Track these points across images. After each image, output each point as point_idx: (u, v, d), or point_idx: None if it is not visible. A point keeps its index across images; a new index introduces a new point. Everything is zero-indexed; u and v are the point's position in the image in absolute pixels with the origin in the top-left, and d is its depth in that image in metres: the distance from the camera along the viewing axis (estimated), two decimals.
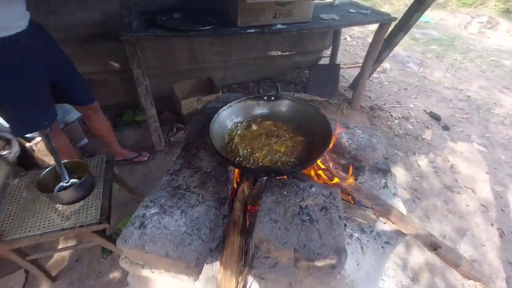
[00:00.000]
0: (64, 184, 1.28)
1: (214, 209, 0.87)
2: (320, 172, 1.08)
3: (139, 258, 0.78)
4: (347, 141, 1.18)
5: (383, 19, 2.30)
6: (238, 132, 1.10)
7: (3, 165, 1.27)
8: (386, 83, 3.67)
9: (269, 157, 1.00)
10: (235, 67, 2.91)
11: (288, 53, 3.00)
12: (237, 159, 0.98)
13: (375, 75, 3.80)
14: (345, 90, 3.20)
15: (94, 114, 1.69)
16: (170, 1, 2.15)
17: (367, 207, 1.01)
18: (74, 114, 2.10)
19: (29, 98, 1.28)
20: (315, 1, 2.66)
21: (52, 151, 1.30)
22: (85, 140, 2.23)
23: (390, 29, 2.43)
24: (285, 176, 1.01)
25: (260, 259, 0.76)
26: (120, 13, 1.93)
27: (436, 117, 3.01)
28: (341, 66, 3.51)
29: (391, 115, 3.00)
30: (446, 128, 2.89)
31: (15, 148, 1.84)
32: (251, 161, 0.98)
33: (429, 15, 6.13)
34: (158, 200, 0.84)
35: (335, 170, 1.10)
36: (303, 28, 2.05)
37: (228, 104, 1.11)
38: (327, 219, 0.78)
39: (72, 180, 1.29)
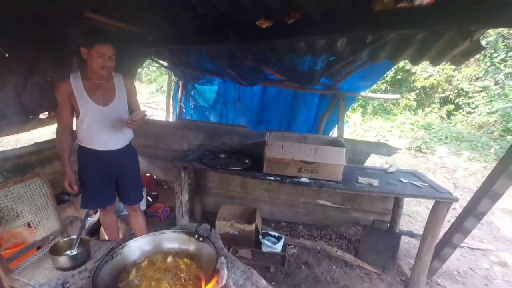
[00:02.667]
0: (69, 253, 1.72)
1: None
2: None
3: None
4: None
5: (438, 197, 1.95)
6: (152, 258, 1.21)
7: (55, 226, 1.90)
8: (499, 281, 2.55)
9: None
10: (283, 206, 3.04)
11: (340, 206, 2.87)
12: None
13: (484, 265, 2.79)
14: (410, 269, 2.49)
15: (132, 212, 2.25)
16: (234, 145, 2.83)
17: None
18: None
19: (90, 187, 1.98)
20: (369, 165, 2.67)
21: (82, 225, 1.85)
22: None
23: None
24: None
25: None
26: (190, 149, 2.74)
27: None
28: (418, 235, 2.89)
29: None
30: None
31: (95, 218, 2.63)
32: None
33: None
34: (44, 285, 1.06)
35: None
36: (325, 186, 2.08)
37: (161, 231, 1.30)
38: None
39: (72, 253, 1.72)
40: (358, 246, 2.61)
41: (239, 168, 2.24)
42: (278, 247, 2.62)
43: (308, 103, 3.99)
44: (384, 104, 8.95)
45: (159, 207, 3.15)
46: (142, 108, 2.10)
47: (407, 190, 2.07)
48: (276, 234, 2.74)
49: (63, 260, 1.65)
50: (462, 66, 8.09)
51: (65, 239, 1.78)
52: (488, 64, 7.73)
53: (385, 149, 2.65)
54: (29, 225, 1.78)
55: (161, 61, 3.57)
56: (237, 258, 2.54)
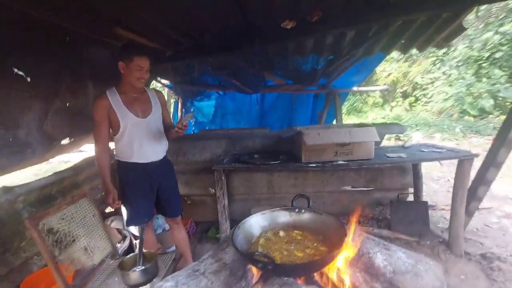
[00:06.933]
0: (137, 268, 1.62)
1: None
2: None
3: None
4: (383, 262, 1.09)
5: (461, 156, 2.22)
6: (267, 235, 1.24)
7: (108, 247, 1.78)
8: None
9: (284, 259, 1.07)
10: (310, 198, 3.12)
11: (363, 188, 3.05)
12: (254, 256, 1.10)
13: (493, 219, 3.12)
14: (442, 232, 2.71)
15: (175, 225, 2.17)
16: (256, 148, 2.90)
17: None
18: None
19: (137, 202, 1.91)
20: (387, 145, 2.90)
21: (140, 240, 1.75)
22: (173, 248, 2.68)
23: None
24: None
25: None
26: (221, 155, 2.75)
27: None
28: (433, 206, 3.16)
29: None
30: None
31: (126, 243, 2.47)
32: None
33: None
34: (177, 277, 1.03)
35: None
36: (363, 164, 2.24)
37: (262, 212, 1.33)
38: None
39: (143, 267, 1.62)
40: (390, 221, 2.78)
41: (285, 162, 2.32)
42: None
43: (305, 103, 4.25)
44: (354, 105, 9.68)
45: (185, 223, 3.02)
46: None
47: (433, 156, 2.31)
48: None
49: (134, 275, 1.55)
50: (413, 64, 9.22)
51: (129, 255, 1.68)
52: (434, 58, 8.89)
53: (397, 128, 2.93)
54: (85, 249, 1.64)
55: (163, 81, 3.58)
56: None
